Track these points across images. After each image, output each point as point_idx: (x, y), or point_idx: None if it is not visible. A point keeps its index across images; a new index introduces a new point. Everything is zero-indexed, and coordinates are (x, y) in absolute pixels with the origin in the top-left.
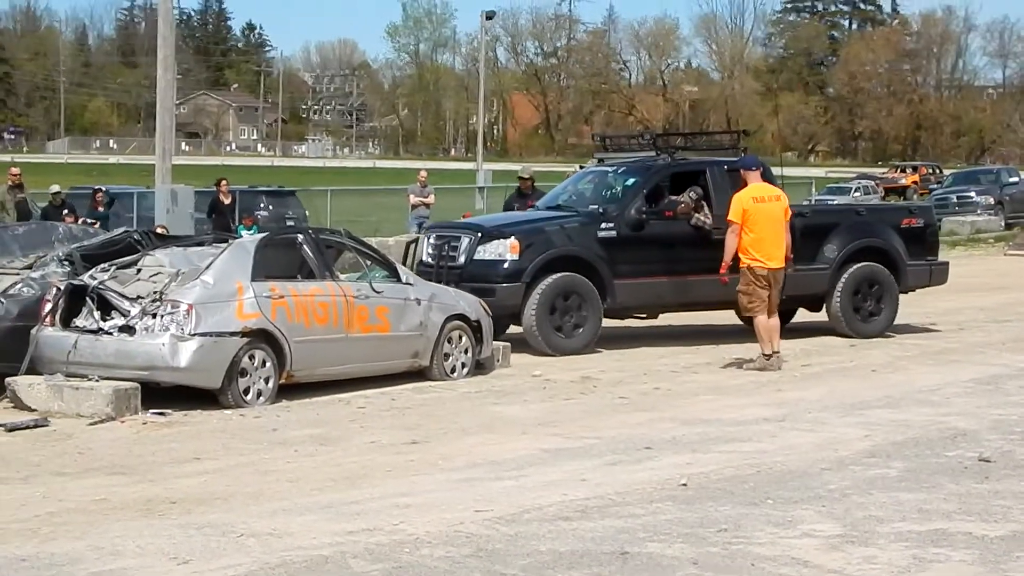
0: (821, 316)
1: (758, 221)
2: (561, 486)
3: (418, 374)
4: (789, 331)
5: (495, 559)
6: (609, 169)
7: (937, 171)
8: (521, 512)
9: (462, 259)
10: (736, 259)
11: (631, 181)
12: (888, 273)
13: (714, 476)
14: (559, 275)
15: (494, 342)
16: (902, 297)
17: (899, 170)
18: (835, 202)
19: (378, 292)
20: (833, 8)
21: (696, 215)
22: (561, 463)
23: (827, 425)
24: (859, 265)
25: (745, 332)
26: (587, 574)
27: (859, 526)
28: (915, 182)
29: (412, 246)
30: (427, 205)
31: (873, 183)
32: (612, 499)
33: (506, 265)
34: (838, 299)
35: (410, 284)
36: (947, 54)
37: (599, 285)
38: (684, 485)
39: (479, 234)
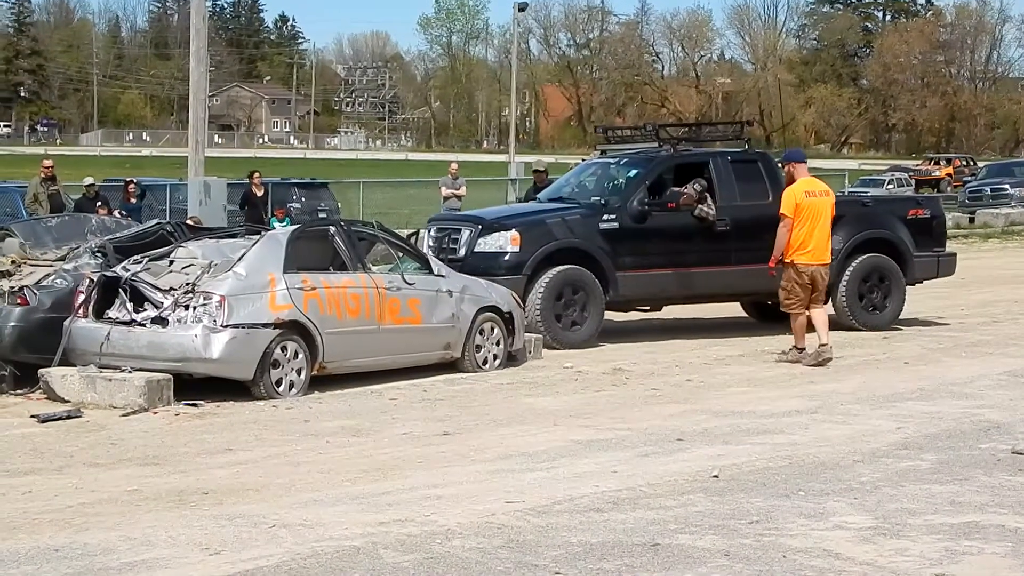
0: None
1: (808, 217)
2: (592, 478)
3: (450, 366)
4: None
5: (526, 550)
6: (611, 161)
7: (971, 163)
8: (552, 503)
9: (463, 251)
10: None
11: (633, 173)
12: (895, 264)
13: (746, 468)
14: (562, 268)
15: (526, 334)
16: (935, 290)
17: (933, 162)
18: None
19: (410, 284)
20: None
21: (699, 207)
22: (593, 455)
23: (859, 417)
24: (865, 256)
25: (770, 324)
26: (618, 565)
27: (891, 518)
28: (949, 174)
29: (413, 238)
30: (459, 197)
31: (907, 175)
32: (643, 491)
33: (507, 257)
34: (844, 291)
35: (442, 276)
36: (981, 45)
37: (601, 277)
38: (716, 477)
39: (480, 226)
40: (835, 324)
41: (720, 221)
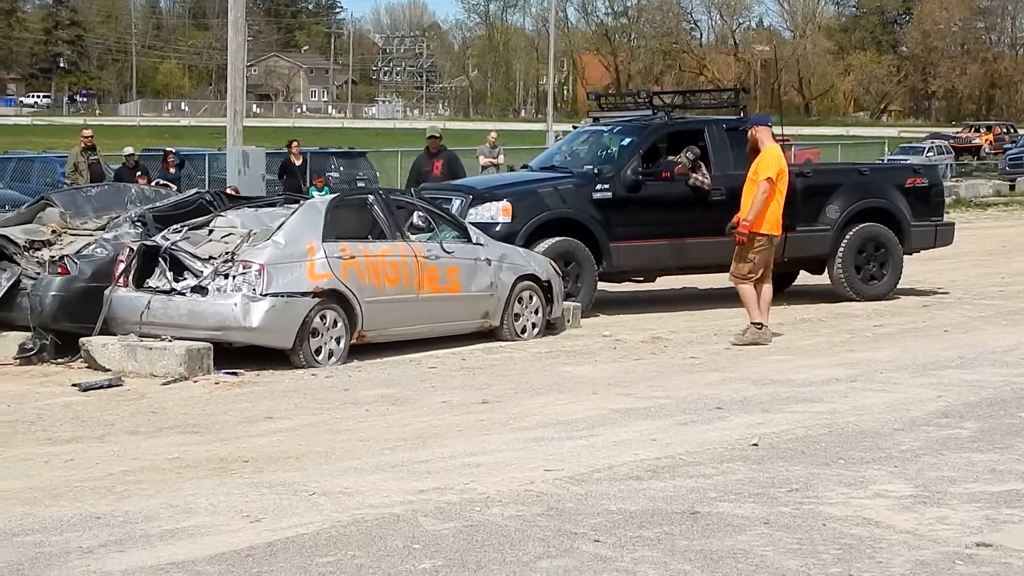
0: (823, 279)
1: (783, 185)
2: (631, 446)
3: (488, 334)
4: (810, 295)
5: (565, 518)
6: (604, 129)
7: (1011, 130)
8: (591, 472)
9: None
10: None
11: (627, 141)
12: (892, 234)
13: (785, 436)
14: (555, 239)
15: (564, 302)
16: (976, 257)
17: (973, 129)
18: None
19: (448, 252)
20: None
21: (693, 175)
22: (631, 423)
23: (899, 385)
24: (862, 226)
25: (810, 293)
26: (657, 533)
27: (931, 487)
28: (989, 141)
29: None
30: (497, 166)
31: (946, 143)
32: (682, 459)
33: (498, 228)
34: (840, 261)
35: (480, 244)
36: (1022, 12)
37: (594, 248)
38: (755, 445)
39: (471, 196)
40: (833, 295)
41: (715, 190)
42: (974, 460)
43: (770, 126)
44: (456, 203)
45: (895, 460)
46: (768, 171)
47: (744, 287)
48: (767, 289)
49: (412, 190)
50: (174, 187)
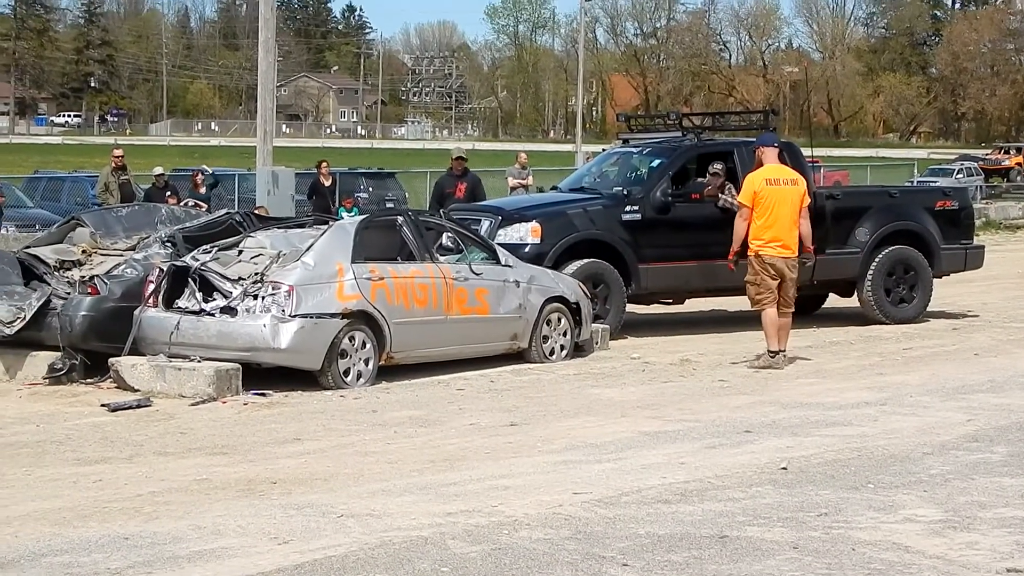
0: (852, 302)
1: (770, 205)
2: (660, 469)
3: (517, 356)
4: (840, 318)
5: (594, 541)
6: (634, 150)
7: None
8: (620, 495)
9: None
10: (745, 245)
11: (656, 162)
12: (922, 257)
13: (814, 460)
14: (583, 261)
15: (593, 325)
16: (1006, 279)
17: (1002, 151)
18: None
19: (477, 274)
20: None
21: (723, 197)
22: (660, 446)
23: (929, 409)
24: (892, 248)
25: (839, 316)
26: (686, 557)
27: (961, 511)
28: (1019, 163)
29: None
30: (526, 187)
31: (976, 164)
32: (711, 482)
33: (527, 249)
34: (870, 284)
35: (509, 266)
36: None
37: (623, 270)
38: (784, 469)
39: (499, 217)
40: (863, 317)
41: None
42: (1004, 485)
43: (775, 146)
44: (485, 224)
45: (925, 484)
46: (742, 197)
47: (763, 312)
48: (781, 312)
49: (441, 211)
50: (205, 206)
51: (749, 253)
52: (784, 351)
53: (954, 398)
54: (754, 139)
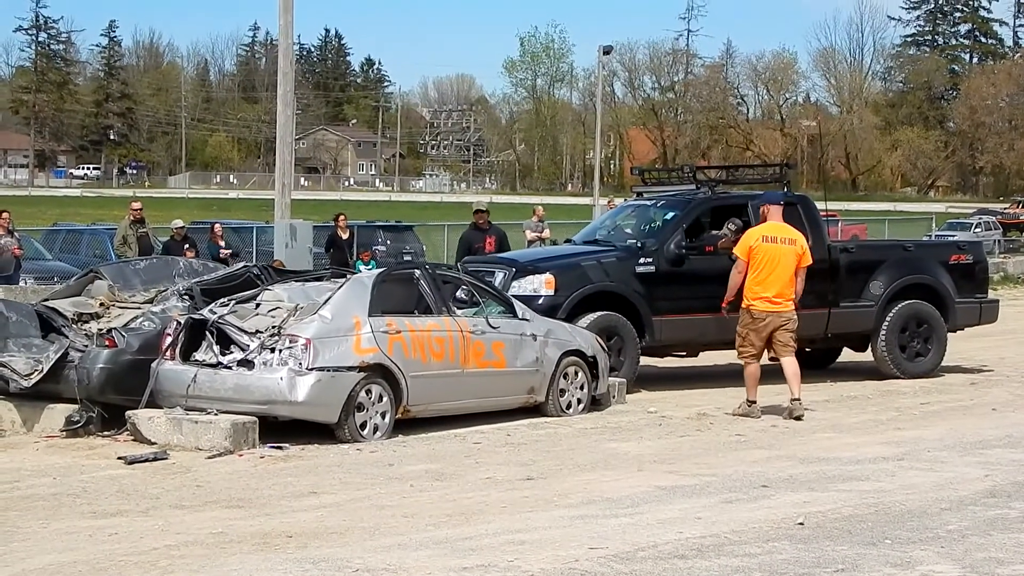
0: (868, 356)
1: (764, 261)
2: (676, 524)
3: (534, 410)
4: (857, 372)
5: None
6: (648, 203)
7: None
8: (636, 550)
9: None
10: (740, 297)
11: (670, 215)
12: (936, 311)
13: (831, 515)
14: (597, 313)
15: (610, 378)
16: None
17: (1020, 205)
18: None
19: (494, 327)
20: (953, 42)
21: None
22: (677, 501)
23: (946, 464)
24: (906, 303)
25: (856, 370)
26: None
27: (979, 568)
28: None
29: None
30: (543, 240)
31: (994, 218)
32: (728, 538)
33: (541, 301)
34: (884, 338)
35: (526, 320)
36: None
37: (637, 322)
38: (801, 524)
39: (513, 269)
40: (878, 372)
41: None
42: (1022, 541)
43: (780, 203)
44: (499, 276)
45: (942, 540)
46: (738, 249)
47: (745, 365)
48: (789, 362)
49: (458, 264)
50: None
51: (742, 305)
52: (799, 399)
53: (972, 453)
54: (768, 193)
